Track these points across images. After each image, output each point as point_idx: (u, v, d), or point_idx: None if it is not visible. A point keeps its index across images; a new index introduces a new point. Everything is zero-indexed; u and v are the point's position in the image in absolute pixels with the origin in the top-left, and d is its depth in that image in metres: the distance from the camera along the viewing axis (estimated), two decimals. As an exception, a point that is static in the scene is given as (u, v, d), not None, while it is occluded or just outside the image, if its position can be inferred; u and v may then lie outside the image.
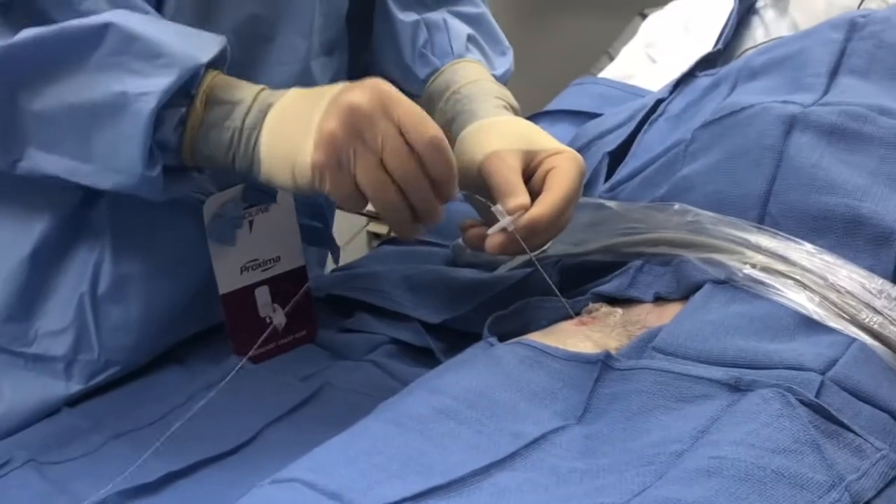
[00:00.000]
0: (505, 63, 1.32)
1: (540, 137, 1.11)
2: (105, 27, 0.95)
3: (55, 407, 1.08)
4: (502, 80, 1.28)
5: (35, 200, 1.06)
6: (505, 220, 1.03)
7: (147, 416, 1.05)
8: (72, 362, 1.08)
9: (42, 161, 0.99)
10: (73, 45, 0.96)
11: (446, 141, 0.97)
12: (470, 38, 1.29)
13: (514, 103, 1.21)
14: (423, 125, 0.95)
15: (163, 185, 0.99)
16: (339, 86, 0.98)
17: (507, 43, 1.35)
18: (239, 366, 1.10)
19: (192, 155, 1.00)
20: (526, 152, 1.08)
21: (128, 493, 0.93)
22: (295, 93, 1.00)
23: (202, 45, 0.98)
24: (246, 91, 1.00)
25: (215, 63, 1.00)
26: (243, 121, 0.99)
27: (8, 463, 0.98)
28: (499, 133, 1.10)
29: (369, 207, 1.00)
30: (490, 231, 1.04)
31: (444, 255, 1.35)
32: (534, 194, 1.05)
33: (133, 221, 1.09)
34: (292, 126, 0.97)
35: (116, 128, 0.96)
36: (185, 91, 0.97)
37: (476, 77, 1.22)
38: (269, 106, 0.99)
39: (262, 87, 1.01)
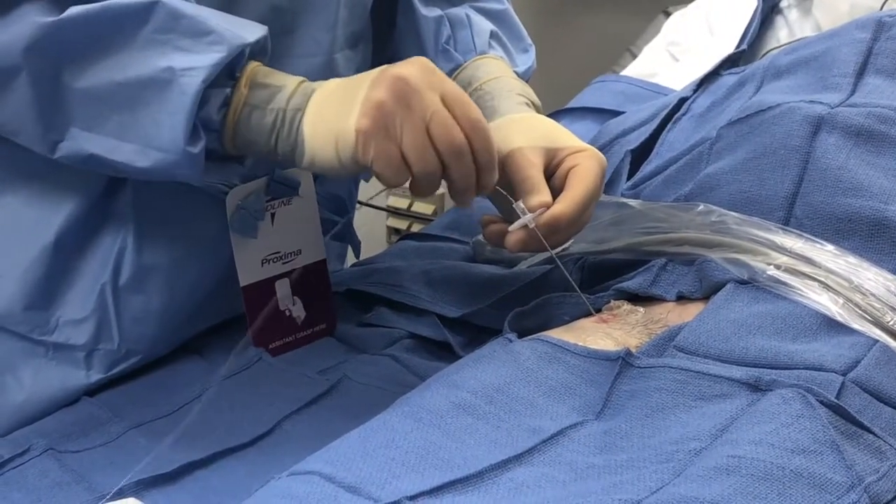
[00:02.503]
0: (527, 60, 1.32)
1: (562, 135, 1.11)
2: (152, 5, 0.96)
3: (75, 396, 1.09)
4: (524, 77, 1.28)
5: (59, 189, 1.07)
6: (526, 217, 1.03)
7: (165, 407, 1.05)
8: (92, 351, 1.08)
9: (83, 141, 0.99)
10: (120, 23, 0.96)
11: (488, 126, 0.98)
12: (493, 35, 1.29)
13: (536, 100, 1.21)
14: (469, 105, 0.97)
15: (203, 166, 0.99)
16: (384, 66, 0.99)
17: (529, 40, 1.36)
18: (257, 358, 1.11)
19: (234, 139, 1.00)
20: (548, 150, 1.08)
21: (146, 483, 0.93)
22: (337, 80, 1.02)
23: (247, 27, 1.00)
24: (288, 79, 1.01)
25: (257, 53, 1.01)
26: (287, 102, 0.99)
27: (27, 451, 0.99)
28: (521, 130, 1.10)
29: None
30: (511, 228, 1.04)
31: (463, 251, 1.35)
32: (555, 192, 1.06)
33: (156, 212, 1.09)
34: (337, 103, 0.99)
35: (161, 103, 0.96)
36: (229, 72, 0.98)
37: (498, 74, 1.22)
38: (313, 91, 1.00)
39: (302, 77, 1.02)
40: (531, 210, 1.03)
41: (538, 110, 1.20)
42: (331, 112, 0.99)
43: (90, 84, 0.97)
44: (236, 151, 1.02)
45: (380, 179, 1.00)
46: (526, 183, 1.04)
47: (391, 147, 0.96)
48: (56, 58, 0.97)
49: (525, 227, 1.03)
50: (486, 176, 1.00)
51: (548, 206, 1.04)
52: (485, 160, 0.99)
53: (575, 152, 1.08)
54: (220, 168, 1.03)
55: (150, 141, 0.98)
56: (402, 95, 0.95)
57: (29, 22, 0.96)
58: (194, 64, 0.96)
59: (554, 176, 1.08)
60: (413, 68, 0.97)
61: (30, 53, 0.96)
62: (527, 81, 1.27)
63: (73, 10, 0.96)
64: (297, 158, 1.01)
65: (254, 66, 1.00)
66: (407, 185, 1.01)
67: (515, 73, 1.26)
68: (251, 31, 0.99)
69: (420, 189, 1.00)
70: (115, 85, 0.97)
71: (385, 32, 1.28)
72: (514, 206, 1.03)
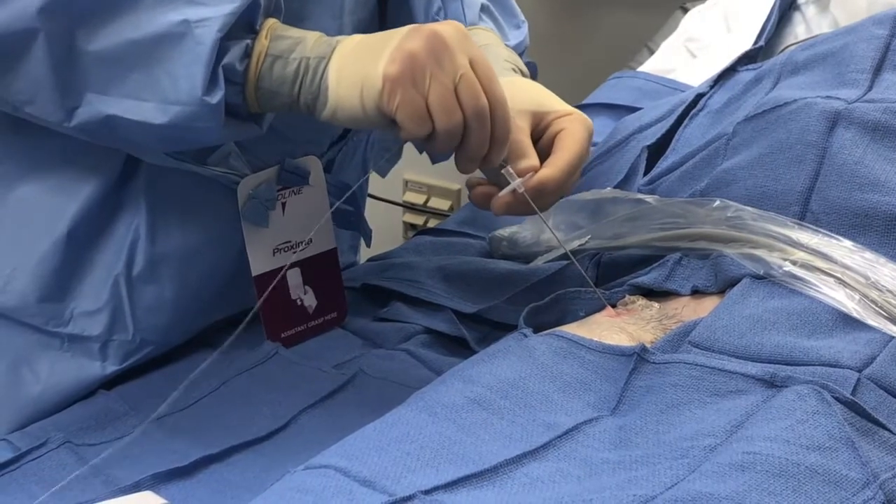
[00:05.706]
0: (519, 35, 1.33)
1: (548, 99, 1.12)
2: None
3: (91, 388, 1.09)
4: (516, 51, 1.28)
5: (72, 180, 1.07)
6: (515, 182, 1.03)
7: (182, 401, 1.05)
8: (107, 342, 1.09)
9: (100, 104, 0.99)
10: None
11: (507, 102, 0.99)
12: (483, 9, 1.30)
13: (524, 68, 1.22)
14: (494, 78, 0.98)
15: (222, 120, 0.98)
16: (416, 24, 0.99)
17: (522, 17, 1.37)
18: (273, 353, 1.11)
19: (256, 92, 1.00)
20: (535, 113, 1.09)
21: (162, 477, 0.93)
22: (362, 35, 1.02)
23: None
24: (307, 33, 1.01)
25: (272, 10, 1.01)
26: (311, 51, 0.99)
27: (45, 444, 0.99)
28: (508, 93, 1.10)
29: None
30: (501, 193, 1.05)
31: (479, 246, 1.35)
32: (542, 155, 1.07)
33: (169, 202, 1.09)
34: (365, 52, 0.99)
35: (178, 57, 0.96)
36: (247, 24, 0.98)
37: (486, 42, 1.23)
38: (338, 42, 1.00)
39: (320, 33, 1.02)
40: (519, 174, 1.04)
41: (525, 77, 1.20)
42: (358, 59, 0.99)
43: (104, 46, 0.97)
44: (257, 106, 1.02)
45: (401, 130, 0.99)
46: (513, 147, 1.05)
47: (417, 97, 0.96)
48: (69, 20, 0.96)
49: (513, 191, 1.04)
50: (497, 149, 1.00)
51: (535, 170, 1.05)
52: (500, 134, 0.99)
53: (562, 116, 1.09)
54: (239, 126, 1.02)
55: (167, 96, 0.97)
56: (435, 50, 0.95)
57: None
58: (209, 14, 0.96)
59: (541, 140, 1.09)
60: (449, 28, 0.97)
61: (44, 14, 0.95)
62: (520, 56, 1.28)
63: None
64: (319, 108, 1.00)
65: (273, 21, 1.00)
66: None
67: (506, 45, 1.26)
68: None
69: (437, 145, 0.99)
70: (129, 43, 0.97)
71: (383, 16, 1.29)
72: (502, 171, 1.04)
